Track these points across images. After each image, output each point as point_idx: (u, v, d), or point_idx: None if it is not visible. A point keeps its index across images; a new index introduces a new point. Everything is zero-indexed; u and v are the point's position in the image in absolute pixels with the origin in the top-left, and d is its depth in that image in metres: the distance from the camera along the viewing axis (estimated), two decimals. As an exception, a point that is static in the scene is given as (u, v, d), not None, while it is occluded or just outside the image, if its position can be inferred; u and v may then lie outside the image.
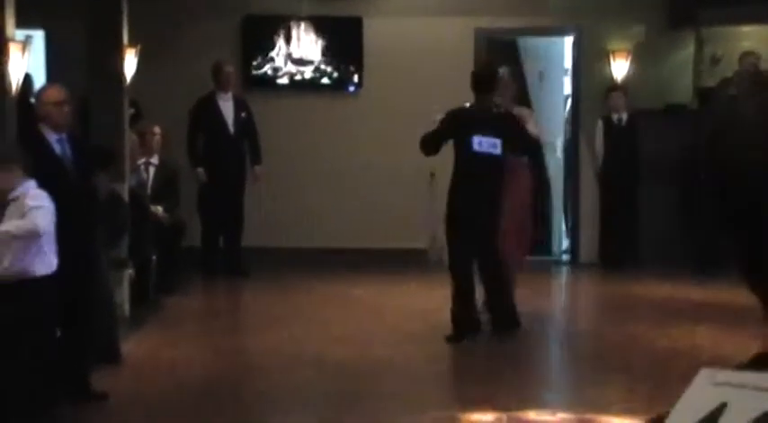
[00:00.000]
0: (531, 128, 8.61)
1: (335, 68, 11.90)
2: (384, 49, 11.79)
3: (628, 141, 11.57)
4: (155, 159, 10.27)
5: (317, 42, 11.85)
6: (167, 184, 10.20)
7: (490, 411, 6.15)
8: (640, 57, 11.85)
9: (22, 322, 5.64)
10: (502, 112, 8.32)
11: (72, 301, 6.22)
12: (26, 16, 7.71)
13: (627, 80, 11.83)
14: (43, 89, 6.88)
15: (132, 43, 9.56)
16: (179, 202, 10.33)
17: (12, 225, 5.69)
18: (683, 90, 11.95)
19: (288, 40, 11.85)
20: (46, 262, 5.80)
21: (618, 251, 11.66)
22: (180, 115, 10.85)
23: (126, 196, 8.71)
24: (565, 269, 11.88)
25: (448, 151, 8.66)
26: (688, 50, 11.96)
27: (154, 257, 9.45)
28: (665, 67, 11.94)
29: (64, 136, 6.45)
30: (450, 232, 8.21)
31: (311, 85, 11.90)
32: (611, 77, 11.88)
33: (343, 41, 11.84)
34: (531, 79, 12.33)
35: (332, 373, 7.27)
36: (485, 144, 8.05)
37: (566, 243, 12.26)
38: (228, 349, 8.09)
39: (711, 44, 12.09)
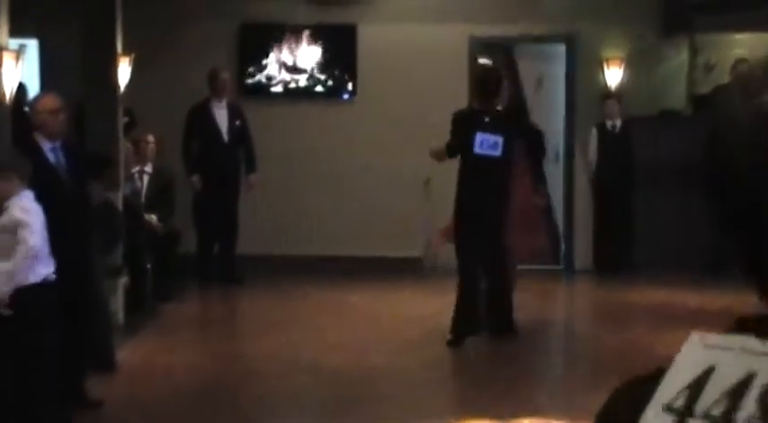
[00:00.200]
0: None
1: (330, 76, 11.91)
2: (379, 56, 11.80)
3: (622, 148, 11.60)
4: (149, 168, 10.26)
5: (311, 50, 11.87)
6: (162, 192, 10.19)
7: (486, 418, 6.14)
8: (634, 64, 11.88)
9: (21, 324, 5.63)
10: (503, 112, 8.45)
11: (67, 309, 6.20)
12: (20, 25, 7.71)
13: (621, 87, 11.86)
14: (38, 98, 6.88)
15: (126, 51, 9.56)
16: (174, 211, 10.31)
17: (11, 264, 5.66)
18: (676, 97, 11.98)
19: (283, 47, 11.86)
20: (42, 265, 5.79)
21: (613, 257, 11.68)
22: (175, 123, 10.84)
23: (120, 205, 8.71)
24: (560, 275, 11.88)
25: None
26: (682, 58, 11.99)
27: (149, 265, 9.44)
28: (659, 74, 11.97)
29: (58, 144, 6.45)
30: (458, 229, 8.23)
31: (305, 93, 11.91)
32: (606, 85, 11.91)
33: (338, 49, 11.86)
34: (528, 86, 12.37)
35: (328, 379, 7.27)
36: (488, 141, 8.12)
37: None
38: (224, 356, 8.09)
39: (705, 51, 12.13)
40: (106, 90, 8.86)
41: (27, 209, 5.77)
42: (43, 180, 6.09)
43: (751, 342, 1.13)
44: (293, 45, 11.88)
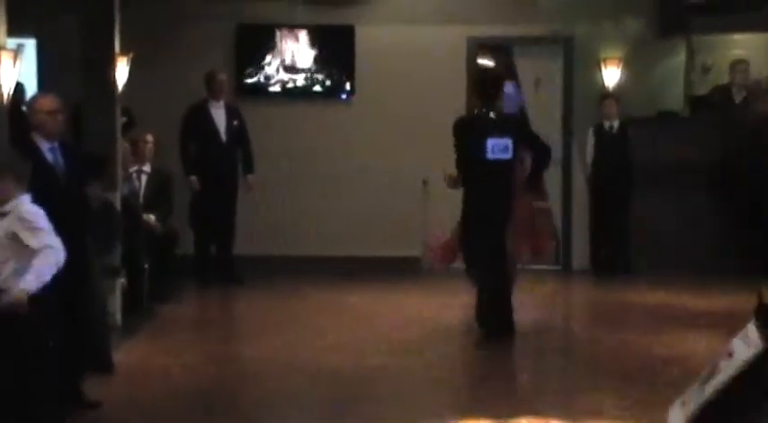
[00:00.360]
0: None
1: (328, 76, 11.91)
2: (376, 57, 11.81)
3: (619, 148, 11.61)
4: (147, 167, 10.25)
5: (309, 50, 11.87)
6: (160, 191, 10.19)
7: (486, 418, 6.14)
8: (632, 65, 11.89)
9: (21, 324, 5.62)
10: (507, 114, 8.48)
11: (64, 310, 6.19)
12: (17, 24, 7.69)
13: (619, 88, 11.87)
14: (36, 98, 6.86)
15: (125, 51, 9.56)
16: (172, 211, 10.31)
17: (38, 265, 5.61)
18: (674, 98, 12.00)
19: (281, 48, 11.86)
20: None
21: (610, 258, 11.69)
22: (173, 123, 10.85)
23: (118, 205, 8.70)
24: (557, 276, 11.88)
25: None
26: (679, 58, 12.01)
27: (147, 266, 9.43)
28: (657, 75, 11.99)
29: (56, 144, 6.44)
30: (466, 232, 8.22)
31: (303, 93, 11.91)
32: (603, 85, 11.91)
33: (336, 49, 11.86)
34: (526, 86, 12.38)
35: (326, 380, 7.26)
36: (498, 146, 8.12)
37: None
38: (222, 357, 8.08)
39: (702, 52, 12.16)
40: (104, 90, 8.84)
41: (33, 212, 5.74)
42: (41, 180, 6.07)
43: None
44: (291, 45, 11.88)
